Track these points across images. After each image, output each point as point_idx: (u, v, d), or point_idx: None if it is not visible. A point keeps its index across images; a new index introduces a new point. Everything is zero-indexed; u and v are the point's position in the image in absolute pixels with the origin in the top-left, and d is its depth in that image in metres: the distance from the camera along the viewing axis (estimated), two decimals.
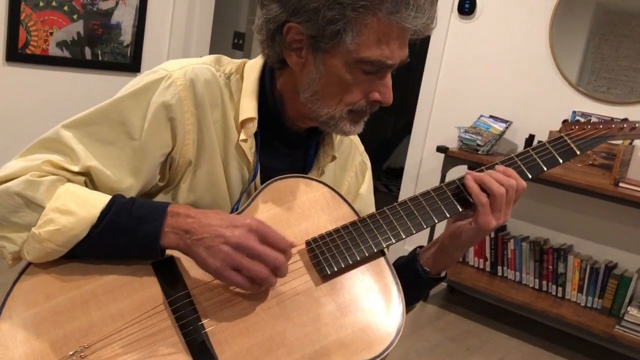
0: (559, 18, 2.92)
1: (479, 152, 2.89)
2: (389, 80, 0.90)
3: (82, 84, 3.17)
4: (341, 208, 0.95)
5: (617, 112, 2.79)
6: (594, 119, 2.77)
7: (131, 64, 3.33)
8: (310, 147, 1.05)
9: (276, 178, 0.95)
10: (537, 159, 1.00)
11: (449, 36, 3.23)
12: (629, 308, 2.60)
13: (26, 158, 0.86)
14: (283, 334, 0.83)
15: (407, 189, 3.41)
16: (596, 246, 2.90)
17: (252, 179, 0.97)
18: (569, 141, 1.03)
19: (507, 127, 2.96)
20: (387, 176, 5.58)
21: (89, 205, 0.82)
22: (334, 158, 1.05)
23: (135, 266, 0.85)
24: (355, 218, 0.94)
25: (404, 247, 2.97)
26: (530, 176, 0.99)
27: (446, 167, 2.95)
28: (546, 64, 2.97)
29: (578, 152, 1.02)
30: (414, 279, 1.00)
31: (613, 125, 1.04)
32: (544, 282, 2.89)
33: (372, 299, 0.88)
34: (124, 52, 3.29)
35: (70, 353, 0.79)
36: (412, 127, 3.40)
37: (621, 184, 2.59)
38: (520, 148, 3.01)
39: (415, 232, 0.93)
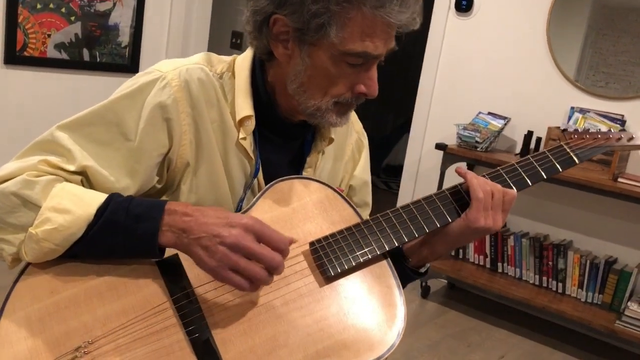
0: (556, 13, 2.93)
1: (478, 149, 2.90)
2: (374, 72, 0.91)
3: (81, 85, 3.16)
4: (344, 210, 0.96)
5: (615, 107, 2.80)
6: (592, 115, 2.78)
7: (129, 65, 3.32)
8: (307, 133, 1.05)
9: (280, 179, 0.96)
10: (538, 167, 1.03)
11: (446, 33, 3.23)
12: (629, 303, 2.60)
13: (23, 159, 0.86)
14: (286, 334, 0.84)
15: (407, 187, 3.41)
16: (596, 241, 2.91)
17: (254, 175, 0.98)
18: (568, 150, 1.05)
19: (505, 124, 2.97)
20: (387, 174, 5.58)
21: (85, 203, 0.82)
22: (331, 140, 1.06)
23: (140, 263, 0.86)
24: (358, 220, 0.95)
25: None
26: (530, 183, 1.01)
27: (445, 164, 2.96)
28: (544, 60, 2.97)
29: (577, 161, 1.05)
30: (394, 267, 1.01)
31: (611, 136, 1.07)
32: (544, 278, 2.90)
33: (374, 300, 0.89)
34: (122, 53, 3.29)
35: (74, 348, 0.79)
36: (411, 125, 3.40)
37: (620, 179, 2.59)
38: (519, 144, 3.02)
39: (418, 236, 0.94)
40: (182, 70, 0.92)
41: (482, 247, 3.06)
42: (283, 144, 1.02)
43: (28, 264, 0.84)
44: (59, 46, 3.04)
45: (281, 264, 0.81)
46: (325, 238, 0.91)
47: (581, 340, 2.88)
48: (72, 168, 0.86)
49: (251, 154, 0.96)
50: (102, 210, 0.82)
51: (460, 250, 3.13)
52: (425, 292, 3.15)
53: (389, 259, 0.93)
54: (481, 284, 2.92)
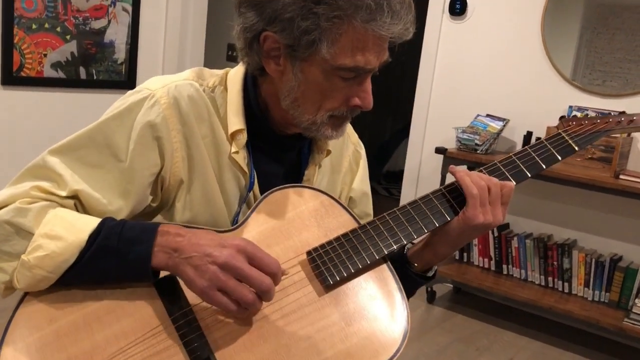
0: (550, 13, 2.93)
1: (478, 152, 2.89)
2: (368, 85, 0.90)
3: (79, 103, 3.17)
4: (341, 215, 0.95)
5: (613, 104, 2.79)
6: (590, 113, 2.77)
7: (126, 81, 3.33)
8: (304, 146, 1.04)
9: (273, 189, 0.95)
10: (536, 157, 1.00)
11: (441, 37, 3.23)
12: (636, 300, 2.59)
13: (15, 186, 0.86)
14: (288, 347, 0.83)
15: (408, 192, 3.40)
16: (600, 240, 2.89)
17: (249, 189, 0.97)
18: (567, 138, 1.03)
19: (504, 125, 2.96)
20: (388, 180, 5.58)
21: (77, 229, 0.81)
22: (329, 152, 1.05)
23: (137, 285, 0.85)
24: (355, 225, 0.94)
25: None
26: (529, 175, 0.99)
27: (446, 168, 2.95)
28: (540, 60, 2.97)
29: (576, 148, 1.02)
30: (399, 274, 0.99)
31: (610, 120, 1.04)
32: (550, 279, 2.88)
33: (376, 306, 0.87)
34: (118, 69, 3.30)
35: None
36: (410, 130, 3.40)
37: (621, 176, 2.58)
38: (519, 145, 3.01)
39: (417, 237, 0.92)
40: (170, 87, 0.92)
41: (486, 249, 3.05)
42: (278, 157, 1.01)
43: (26, 294, 0.83)
44: (55, 65, 3.05)
45: (271, 288, 0.80)
46: (322, 246, 0.90)
47: (590, 340, 2.86)
48: (63, 193, 0.86)
49: (245, 168, 0.96)
50: (94, 236, 0.81)
51: (465, 254, 3.12)
52: (431, 297, 3.13)
53: (388, 262, 0.92)
54: (487, 287, 2.90)
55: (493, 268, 3.04)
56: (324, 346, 0.83)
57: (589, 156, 2.66)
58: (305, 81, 0.88)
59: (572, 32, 2.93)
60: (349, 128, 1.13)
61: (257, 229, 0.91)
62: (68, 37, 3.06)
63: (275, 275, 0.81)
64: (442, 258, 1.00)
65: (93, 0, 3.11)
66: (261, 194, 0.96)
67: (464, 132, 2.95)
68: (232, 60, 4.22)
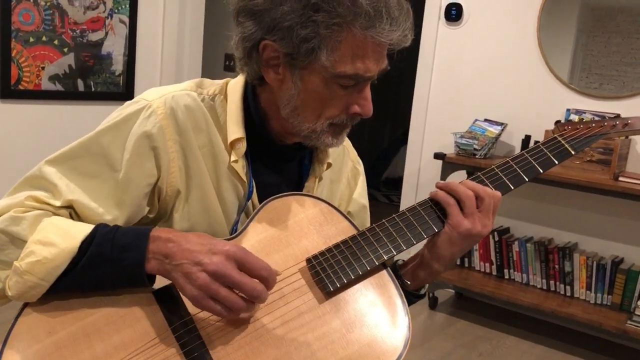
0: (546, 18, 2.94)
1: (477, 156, 2.89)
2: (368, 92, 0.90)
3: (77, 116, 3.18)
4: (340, 223, 0.94)
5: (610, 107, 2.79)
6: (588, 116, 2.78)
7: (124, 93, 3.34)
8: (304, 157, 1.04)
9: (272, 197, 0.95)
10: (533, 162, 1.00)
11: (438, 43, 3.24)
12: (639, 302, 2.58)
13: (11, 197, 0.86)
14: (289, 355, 0.82)
15: (408, 198, 3.40)
16: (601, 242, 2.89)
17: (248, 198, 0.97)
18: (563, 142, 1.03)
19: (502, 130, 2.97)
20: (387, 186, 5.58)
21: (70, 236, 0.81)
22: (329, 165, 1.05)
23: (136, 295, 0.85)
24: (354, 232, 0.93)
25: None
26: (527, 179, 0.99)
27: (445, 173, 2.95)
28: (537, 64, 2.98)
29: (573, 152, 1.02)
30: None
31: (605, 123, 1.04)
32: (552, 282, 2.87)
33: (377, 312, 0.87)
34: (116, 81, 3.31)
35: None
36: (409, 136, 3.40)
37: (621, 178, 2.58)
38: (517, 149, 3.01)
39: (416, 243, 0.92)
40: (167, 97, 0.92)
41: (487, 254, 3.04)
42: (277, 167, 1.01)
43: (25, 305, 0.83)
44: (53, 78, 3.06)
45: (262, 293, 0.79)
46: (322, 253, 0.90)
47: (593, 343, 2.85)
48: (58, 203, 0.85)
49: (244, 177, 0.95)
50: (87, 243, 0.81)
51: (466, 259, 3.11)
52: (433, 303, 3.12)
53: (388, 268, 0.92)
54: (489, 292, 2.89)
55: (495, 273, 3.03)
56: (326, 353, 0.83)
57: (588, 159, 2.66)
58: (305, 90, 0.88)
59: (568, 36, 2.94)
60: (348, 144, 1.13)
61: (256, 237, 0.91)
62: (65, 49, 3.07)
63: (267, 279, 0.80)
64: (436, 275, 0.99)
65: (90, 13, 3.12)
66: (260, 203, 0.96)
67: (462, 137, 2.95)
68: (229, 70, 4.23)
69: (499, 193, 0.95)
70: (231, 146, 0.94)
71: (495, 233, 2.99)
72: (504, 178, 0.99)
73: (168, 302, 0.84)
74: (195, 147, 0.92)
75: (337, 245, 0.91)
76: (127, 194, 0.88)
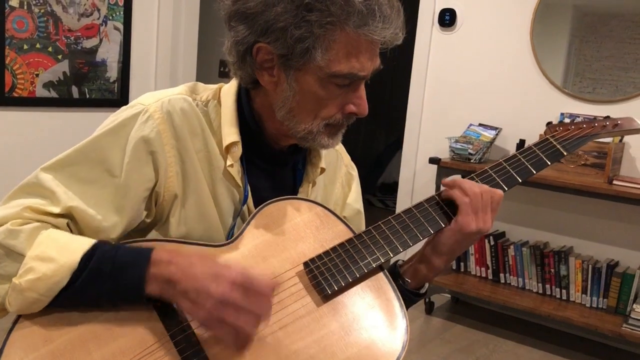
0: (539, 23, 2.96)
1: (472, 161, 2.90)
2: (362, 91, 0.90)
3: (72, 123, 3.17)
4: (336, 226, 0.94)
5: (604, 111, 2.81)
6: (579, 119, 2.79)
7: (119, 100, 3.34)
8: (298, 162, 1.04)
9: (268, 202, 0.95)
10: (526, 163, 1.02)
11: (432, 49, 3.26)
12: (634, 305, 2.58)
13: (7, 206, 0.85)
14: (288, 358, 0.82)
15: (403, 203, 3.40)
16: (596, 246, 2.90)
17: (243, 202, 0.96)
18: (554, 143, 1.04)
19: (497, 134, 2.98)
20: (383, 191, 5.58)
21: (69, 251, 0.80)
22: (323, 170, 1.05)
23: (134, 305, 0.84)
24: (351, 235, 0.93)
25: None
26: (520, 180, 0.99)
27: (440, 177, 2.96)
28: (530, 69, 2.99)
29: (565, 153, 1.03)
30: None
31: (596, 124, 1.06)
32: (548, 286, 2.87)
33: (374, 315, 0.87)
34: (110, 88, 3.31)
35: None
36: (403, 141, 3.41)
37: (615, 182, 2.59)
38: (512, 154, 3.02)
39: (412, 245, 0.93)
40: (164, 101, 0.92)
41: (483, 258, 3.04)
42: (272, 171, 1.01)
43: (20, 315, 0.82)
44: (47, 85, 3.05)
45: (268, 312, 0.81)
46: (319, 257, 0.90)
47: (589, 346, 2.85)
48: (56, 210, 0.85)
49: (239, 182, 0.95)
50: (87, 259, 0.80)
51: (462, 264, 3.11)
52: (429, 308, 3.12)
53: (385, 270, 0.92)
54: (485, 296, 2.89)
55: (490, 277, 3.03)
56: (324, 356, 0.83)
57: (582, 162, 2.67)
58: (300, 91, 0.88)
59: (561, 41, 2.96)
60: (342, 149, 1.14)
61: (252, 242, 0.91)
62: (60, 56, 3.07)
63: (272, 296, 0.81)
64: (437, 272, 0.99)
65: (84, 20, 3.12)
66: (255, 208, 0.96)
67: (457, 141, 2.96)
68: (224, 76, 4.24)
69: (499, 191, 0.96)
70: (227, 150, 0.94)
71: (491, 237, 3.00)
72: (498, 179, 1.00)
73: (165, 308, 0.84)
74: (192, 152, 0.92)
75: (334, 249, 0.91)
76: (126, 199, 0.88)
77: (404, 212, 0.95)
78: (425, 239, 0.97)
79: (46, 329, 0.81)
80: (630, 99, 2.77)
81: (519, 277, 2.95)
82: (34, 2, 2.92)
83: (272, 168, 1.01)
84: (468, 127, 3.04)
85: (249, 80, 0.93)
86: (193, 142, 0.92)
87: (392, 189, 5.04)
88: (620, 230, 2.83)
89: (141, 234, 0.95)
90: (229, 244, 0.91)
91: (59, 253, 0.80)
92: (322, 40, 0.83)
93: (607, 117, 1.07)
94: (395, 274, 1.00)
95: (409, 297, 0.99)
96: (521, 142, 2.91)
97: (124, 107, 0.93)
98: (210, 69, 4.25)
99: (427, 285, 1.03)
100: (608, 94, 2.83)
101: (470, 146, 2.91)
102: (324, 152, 1.06)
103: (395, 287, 0.90)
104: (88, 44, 3.16)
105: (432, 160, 2.97)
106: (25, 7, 2.90)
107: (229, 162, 0.94)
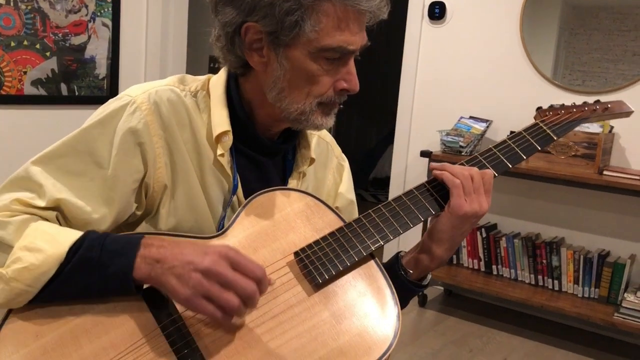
0: (528, 15, 2.97)
1: (463, 153, 2.91)
2: (352, 67, 0.91)
3: (61, 120, 3.14)
4: (326, 215, 0.94)
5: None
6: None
7: (108, 97, 3.27)
8: (288, 153, 1.04)
9: (258, 192, 0.94)
10: (516, 148, 1.02)
11: (422, 42, 3.26)
12: (625, 294, 2.60)
13: None
14: (280, 349, 0.82)
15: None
16: (587, 236, 2.92)
17: (233, 192, 0.96)
18: (544, 127, 1.04)
19: (487, 127, 2.99)
20: (375, 186, 5.59)
21: (58, 242, 0.80)
22: (312, 161, 1.05)
23: (123, 295, 0.83)
24: (341, 224, 0.93)
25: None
26: (510, 165, 0.99)
27: (431, 171, 2.96)
28: (520, 62, 3.00)
29: (555, 138, 1.04)
30: (394, 283, 0.99)
31: (586, 108, 1.06)
32: (540, 277, 2.89)
33: (366, 303, 0.87)
34: (100, 85, 3.28)
35: None
36: (395, 135, 3.41)
37: (605, 172, 2.61)
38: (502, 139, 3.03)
39: (403, 232, 0.93)
40: (151, 92, 0.91)
41: (475, 251, 3.05)
42: (262, 161, 1.00)
43: (10, 311, 0.82)
44: (35, 82, 3.03)
45: (255, 293, 0.79)
46: (310, 246, 0.90)
47: (582, 336, 2.87)
48: (45, 203, 0.84)
49: (229, 171, 0.95)
50: (76, 248, 0.80)
51: (454, 256, 3.12)
52: (423, 301, 3.13)
53: (376, 259, 0.92)
54: (478, 288, 2.90)
55: (483, 269, 3.04)
56: (316, 345, 0.82)
57: (573, 153, 2.68)
58: (291, 68, 0.88)
59: (551, 34, 2.97)
60: (332, 141, 1.14)
61: (243, 232, 0.91)
62: (48, 53, 3.04)
63: (260, 280, 0.80)
64: (438, 261, 0.98)
65: (72, 16, 3.10)
66: (245, 198, 0.95)
67: (448, 134, 2.97)
68: (214, 72, 4.21)
69: (489, 171, 0.96)
70: (217, 140, 0.93)
71: (483, 229, 3.01)
72: (488, 165, 1.00)
73: (156, 300, 0.84)
74: (180, 142, 0.92)
75: (324, 238, 0.91)
76: (115, 191, 0.87)
77: (394, 200, 0.95)
78: (424, 231, 0.97)
79: (37, 324, 0.81)
80: (619, 90, 2.79)
81: (511, 268, 2.97)
82: None
83: (262, 158, 1.00)
84: (459, 120, 3.05)
85: (238, 64, 0.93)
86: (181, 133, 0.92)
87: (384, 183, 5.04)
88: (611, 221, 2.85)
89: (131, 227, 0.94)
90: (219, 235, 0.91)
91: (47, 243, 0.79)
92: (310, 12, 0.84)
93: (597, 101, 1.08)
94: (397, 265, 1.00)
95: (410, 289, 0.99)
96: (512, 134, 2.91)
97: (111, 100, 0.93)
98: (200, 65, 4.24)
99: (429, 276, 1.02)
100: (598, 86, 2.84)
101: (461, 139, 2.92)
102: (313, 143, 1.06)
103: (387, 275, 0.90)
104: (76, 40, 3.14)
105: (424, 154, 2.97)
106: (12, 4, 2.87)
107: (219, 152, 0.93)
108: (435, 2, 3.17)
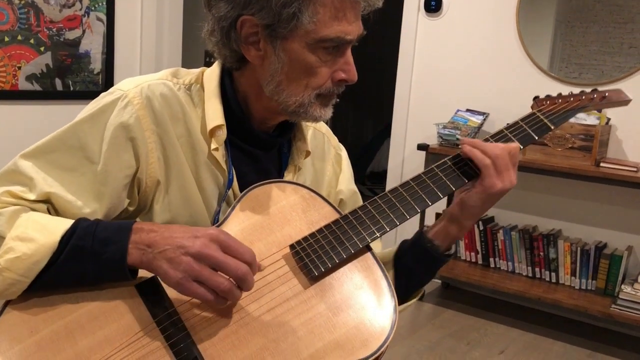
0: (524, 8, 2.96)
1: (460, 146, 2.90)
2: (350, 57, 0.90)
3: (56, 115, 3.13)
4: (322, 208, 0.94)
5: None
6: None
7: (103, 91, 3.29)
8: (283, 146, 1.03)
9: (253, 186, 0.94)
10: (513, 138, 1.01)
11: (418, 35, 3.25)
12: (622, 286, 2.61)
13: None
14: (276, 342, 0.81)
15: None
16: (584, 228, 2.92)
17: (228, 186, 0.95)
18: (542, 117, 1.04)
19: (484, 119, 2.98)
20: (372, 180, 5.58)
21: (49, 231, 0.80)
22: (308, 154, 1.04)
23: (119, 289, 0.83)
24: (337, 216, 0.93)
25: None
26: None
27: (428, 164, 2.96)
28: (517, 54, 2.99)
29: (552, 127, 1.03)
30: (421, 257, 0.99)
31: (584, 97, 1.05)
32: (537, 269, 2.89)
33: (362, 295, 0.87)
34: (95, 80, 3.27)
35: None
36: (391, 129, 3.41)
37: (602, 164, 2.61)
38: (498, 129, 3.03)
39: (399, 224, 0.92)
40: (143, 87, 0.90)
41: (472, 243, 3.06)
42: (257, 155, 0.99)
43: (5, 305, 0.81)
44: (30, 77, 3.01)
45: (248, 275, 0.79)
46: (306, 239, 0.89)
47: (580, 328, 2.88)
48: (35, 197, 0.84)
49: (223, 165, 0.94)
50: (67, 237, 0.80)
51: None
52: None
53: (372, 250, 0.91)
54: (475, 281, 2.91)
55: (480, 262, 3.05)
56: (313, 338, 0.82)
57: (570, 146, 2.68)
58: (289, 61, 0.87)
59: (547, 26, 2.96)
60: (328, 132, 1.13)
61: (238, 226, 0.90)
62: (42, 48, 3.02)
63: (250, 263, 0.80)
64: (466, 230, 1.01)
65: (66, 11, 3.08)
66: (240, 192, 0.95)
67: (445, 127, 2.96)
68: (209, 66, 4.20)
69: (514, 144, 0.97)
70: (211, 134, 0.92)
71: (480, 222, 3.01)
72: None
73: (151, 294, 0.83)
74: (173, 137, 0.91)
75: (320, 230, 0.90)
76: (105, 186, 0.87)
77: (389, 192, 0.95)
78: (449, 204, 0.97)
79: (31, 319, 0.80)
80: (615, 82, 2.78)
81: (508, 261, 2.97)
82: None
83: (257, 152, 0.99)
84: (456, 113, 3.04)
85: (234, 58, 0.92)
86: (174, 127, 0.91)
87: (381, 177, 5.04)
88: (608, 212, 2.85)
89: None
90: None
91: (39, 233, 0.79)
92: (308, 3, 0.83)
93: (595, 90, 1.07)
94: (423, 239, 0.99)
95: (441, 260, 1.00)
96: None
97: (103, 94, 0.92)
98: (195, 59, 4.22)
99: (453, 246, 1.03)
100: (594, 78, 2.84)
101: (458, 132, 2.91)
102: (309, 136, 1.05)
103: (383, 267, 0.90)
104: (71, 35, 3.12)
105: (421, 147, 2.97)
106: None
107: (213, 146, 0.92)
108: None
